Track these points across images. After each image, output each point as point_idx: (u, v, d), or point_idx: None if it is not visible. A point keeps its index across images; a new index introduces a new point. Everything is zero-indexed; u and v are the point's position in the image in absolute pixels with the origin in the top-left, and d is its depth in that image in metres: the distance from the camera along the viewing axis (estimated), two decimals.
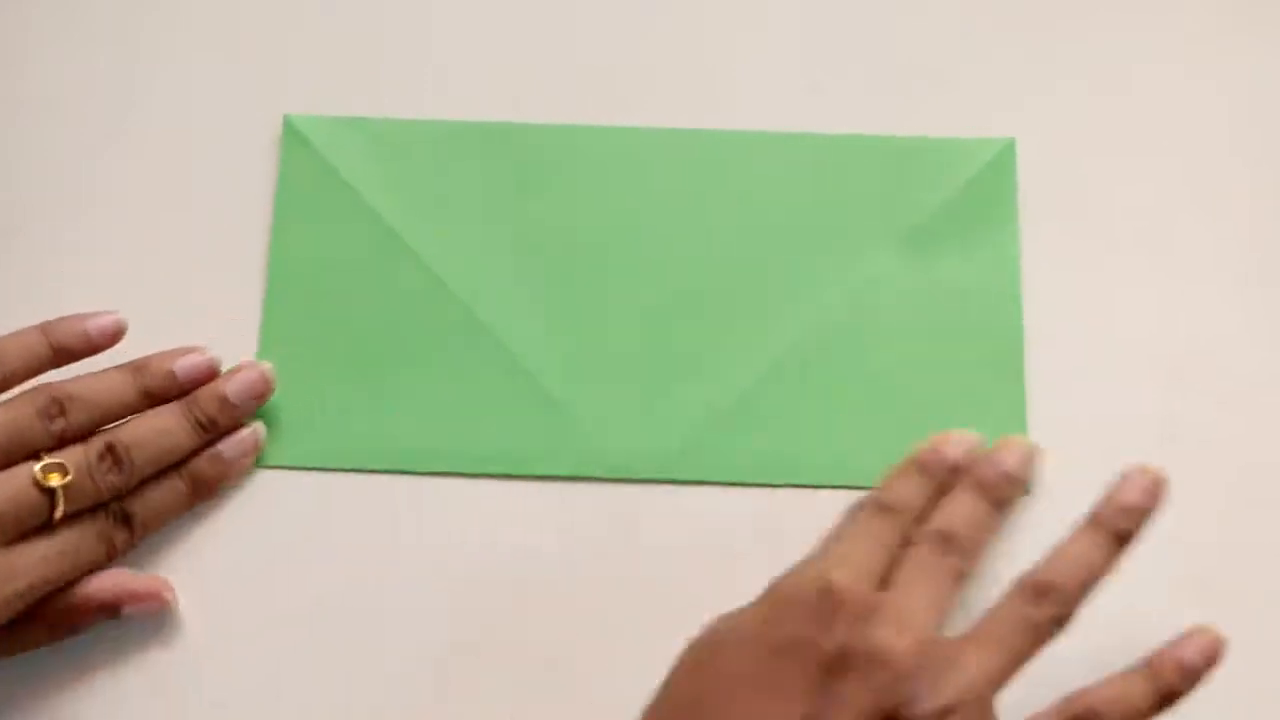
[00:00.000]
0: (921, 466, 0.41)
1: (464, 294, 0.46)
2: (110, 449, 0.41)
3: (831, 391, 0.46)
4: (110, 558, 0.42)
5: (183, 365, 0.43)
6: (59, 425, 0.41)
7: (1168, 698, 0.38)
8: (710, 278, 0.47)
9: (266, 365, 0.44)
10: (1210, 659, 0.39)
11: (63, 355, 0.43)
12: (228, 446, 0.44)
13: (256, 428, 0.44)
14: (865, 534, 0.39)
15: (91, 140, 0.49)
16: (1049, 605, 0.38)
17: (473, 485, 0.45)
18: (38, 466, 0.40)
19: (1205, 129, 0.49)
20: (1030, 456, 0.41)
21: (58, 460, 0.41)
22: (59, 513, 0.41)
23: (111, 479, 0.41)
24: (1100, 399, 0.46)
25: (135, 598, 0.42)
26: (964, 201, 0.47)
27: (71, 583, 0.42)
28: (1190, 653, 0.39)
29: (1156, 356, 0.46)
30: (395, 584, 0.44)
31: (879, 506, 0.40)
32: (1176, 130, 0.49)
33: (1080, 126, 0.49)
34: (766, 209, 0.47)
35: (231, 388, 0.44)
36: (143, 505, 0.43)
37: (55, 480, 0.40)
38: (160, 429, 0.43)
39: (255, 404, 0.44)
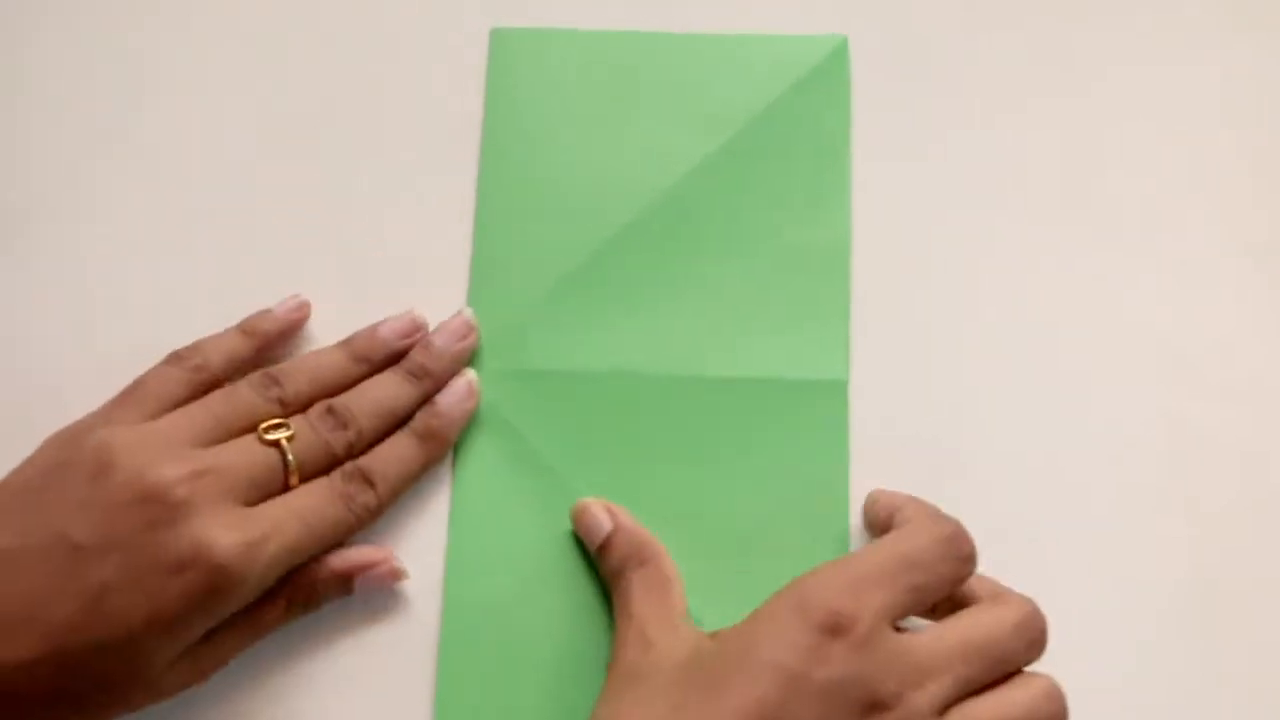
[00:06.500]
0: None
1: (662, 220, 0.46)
2: (330, 409, 0.43)
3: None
4: (357, 520, 0.42)
5: (387, 327, 0.45)
6: (275, 393, 0.42)
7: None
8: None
9: (468, 310, 0.45)
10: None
11: (257, 339, 0.44)
12: (443, 396, 0.44)
13: (468, 374, 0.45)
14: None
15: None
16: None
17: None
18: (260, 426, 0.41)
19: (1201, 117, 0.49)
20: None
21: (278, 421, 0.42)
22: (293, 475, 0.41)
23: (336, 435, 0.42)
24: (1106, 395, 0.46)
25: (367, 567, 0.42)
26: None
27: (315, 557, 0.42)
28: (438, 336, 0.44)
29: (1159, 351, 0.46)
30: None
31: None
32: (1171, 117, 0.49)
33: (1071, 112, 0.49)
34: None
35: (435, 335, 0.45)
36: (377, 461, 0.43)
37: (279, 434, 0.41)
38: (374, 385, 0.44)
39: (462, 347, 0.45)
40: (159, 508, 0.38)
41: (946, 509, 0.40)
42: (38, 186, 0.48)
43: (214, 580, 0.38)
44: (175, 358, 0.43)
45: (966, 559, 0.38)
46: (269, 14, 0.50)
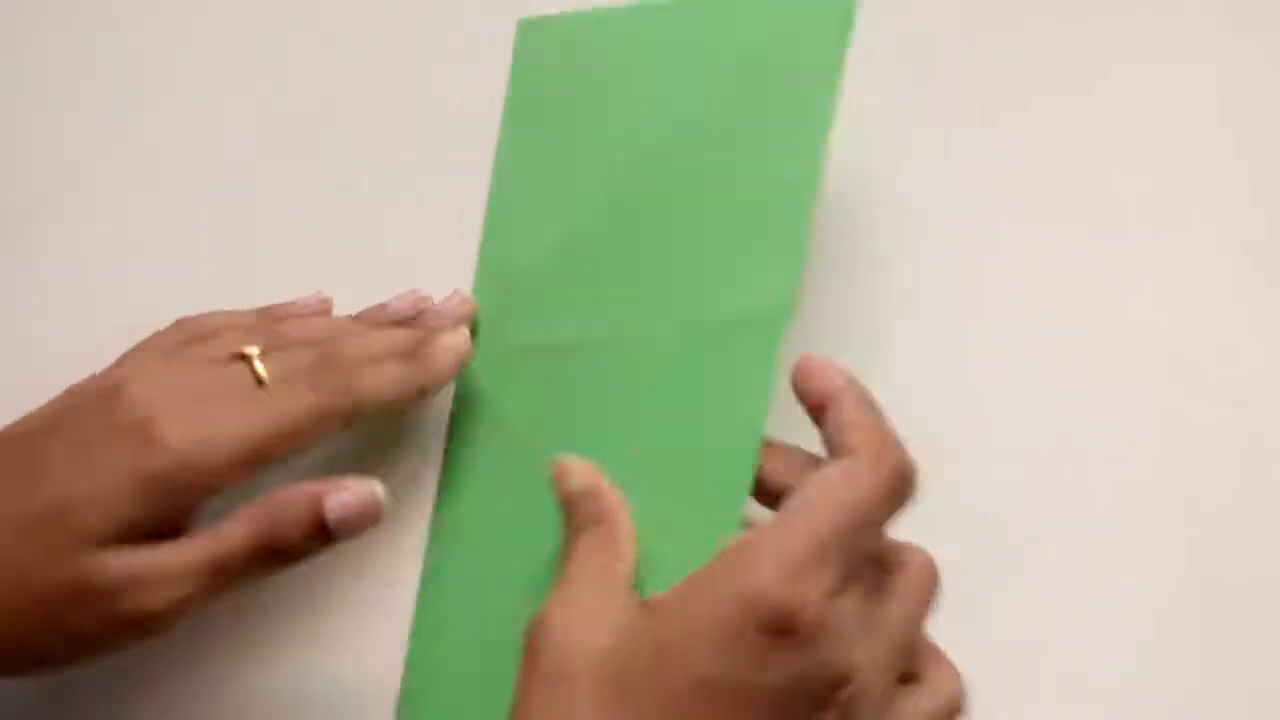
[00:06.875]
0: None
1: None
2: (312, 344, 0.41)
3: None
4: (330, 405, 0.39)
5: (393, 303, 0.44)
6: (264, 336, 0.41)
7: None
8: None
9: (464, 290, 0.45)
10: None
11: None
12: (435, 333, 0.43)
13: (461, 329, 0.43)
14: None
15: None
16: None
17: None
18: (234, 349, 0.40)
19: (1201, 117, 0.49)
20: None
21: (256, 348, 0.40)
22: (264, 377, 0.39)
23: (314, 352, 0.40)
24: (1106, 395, 0.45)
25: (339, 490, 0.38)
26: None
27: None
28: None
29: (1159, 351, 0.46)
30: None
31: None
32: (1171, 117, 0.49)
33: (1080, 122, 0.49)
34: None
35: (437, 306, 0.45)
36: (355, 375, 0.40)
37: (249, 349, 0.40)
38: (367, 335, 0.42)
39: (464, 312, 0.45)
40: (112, 393, 0.38)
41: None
42: (38, 186, 0.48)
43: (160, 456, 0.36)
44: (185, 322, 0.42)
45: (909, 497, 0.35)
46: (269, 14, 0.50)
